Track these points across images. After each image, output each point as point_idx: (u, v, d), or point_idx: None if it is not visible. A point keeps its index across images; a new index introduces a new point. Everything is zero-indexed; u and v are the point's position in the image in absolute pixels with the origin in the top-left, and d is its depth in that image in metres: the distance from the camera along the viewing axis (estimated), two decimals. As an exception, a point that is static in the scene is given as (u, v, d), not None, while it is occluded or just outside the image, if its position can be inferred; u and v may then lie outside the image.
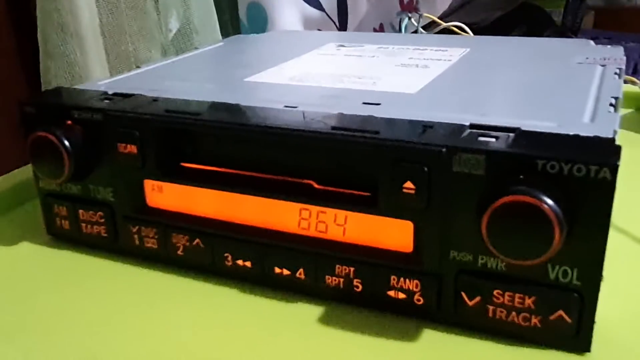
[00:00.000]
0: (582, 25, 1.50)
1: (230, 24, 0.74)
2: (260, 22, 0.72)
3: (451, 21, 0.55)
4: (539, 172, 0.22)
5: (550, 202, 0.21)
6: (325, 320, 0.26)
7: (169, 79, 0.36)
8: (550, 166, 0.22)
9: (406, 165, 0.24)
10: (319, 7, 0.75)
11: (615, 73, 0.33)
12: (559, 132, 0.24)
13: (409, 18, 0.58)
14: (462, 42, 0.43)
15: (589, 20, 1.64)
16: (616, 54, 0.37)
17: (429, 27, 0.62)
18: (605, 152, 0.22)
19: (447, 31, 0.52)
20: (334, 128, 0.25)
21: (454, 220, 0.24)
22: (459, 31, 0.50)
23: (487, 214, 0.22)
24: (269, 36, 0.51)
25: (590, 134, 0.23)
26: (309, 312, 0.27)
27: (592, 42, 0.41)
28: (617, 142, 0.22)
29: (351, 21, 0.78)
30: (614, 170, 0.21)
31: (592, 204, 0.21)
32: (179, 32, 0.65)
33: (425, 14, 0.56)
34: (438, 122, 0.25)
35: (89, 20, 0.59)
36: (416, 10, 0.73)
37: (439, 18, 0.59)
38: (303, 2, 0.74)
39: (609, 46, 0.39)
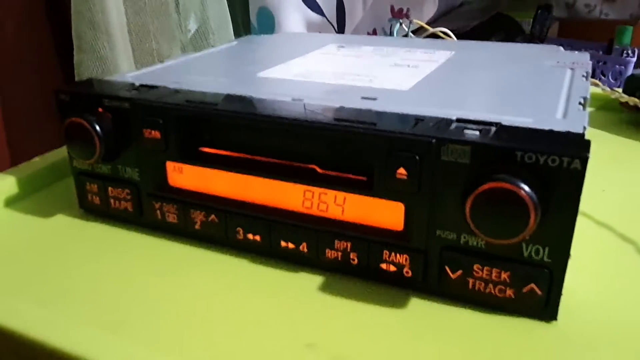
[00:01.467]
0: (548, 34, 1.49)
1: (242, 26, 0.73)
2: (268, 25, 0.71)
3: (434, 28, 0.54)
4: (518, 162, 0.21)
5: (527, 188, 0.21)
6: (324, 288, 0.26)
7: (189, 73, 0.35)
8: (527, 157, 0.21)
9: (400, 153, 0.23)
10: (320, 13, 0.74)
11: (583, 76, 0.32)
12: (534, 127, 0.23)
13: (400, 24, 0.57)
14: (448, 45, 0.42)
15: (553, 30, 1.63)
16: (583, 59, 0.36)
17: (417, 32, 0.61)
18: (576, 146, 0.21)
19: (433, 36, 0.51)
20: (335, 119, 0.25)
21: (441, 203, 0.23)
22: (444, 36, 0.49)
23: (471, 198, 0.21)
24: (276, 37, 0.50)
25: (563, 130, 0.23)
26: (310, 281, 0.26)
27: (561, 48, 0.40)
28: (586, 137, 0.22)
29: (348, 26, 0.77)
30: (584, 161, 0.21)
31: (564, 191, 0.21)
32: (196, 32, 0.64)
33: (415, 20, 0.55)
34: (428, 116, 0.25)
35: (117, 19, 0.58)
36: (407, 16, 0.73)
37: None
38: (306, 8, 0.73)
39: (576, 52, 0.38)
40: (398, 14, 0.84)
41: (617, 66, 1.19)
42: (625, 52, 1.22)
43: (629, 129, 0.45)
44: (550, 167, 0.21)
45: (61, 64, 0.62)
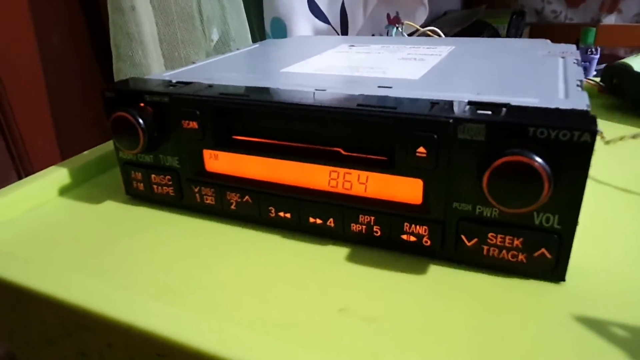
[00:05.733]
0: (521, 37, 1.47)
1: (257, 34, 0.71)
2: (281, 33, 0.69)
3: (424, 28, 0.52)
4: (530, 138, 0.20)
5: (540, 160, 0.19)
6: (351, 259, 0.24)
7: (219, 71, 0.34)
8: (540, 132, 0.20)
9: (419, 133, 0.22)
10: (326, 21, 0.73)
11: (574, 62, 0.31)
12: (542, 106, 0.22)
13: (397, 27, 0.55)
14: (447, 42, 0.41)
15: (525, 34, 1.60)
16: (571, 49, 0.34)
17: (411, 35, 0.59)
18: (585, 121, 0.20)
19: (424, 36, 0.49)
20: (359, 105, 0.23)
21: (457, 178, 0.22)
22: (434, 35, 0.47)
23: (488, 172, 0.20)
24: (293, 40, 0.48)
25: (568, 107, 0.21)
26: (337, 253, 0.25)
27: (549, 41, 0.38)
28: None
29: (350, 32, 0.75)
30: (594, 134, 0.19)
31: (574, 162, 0.20)
32: (219, 40, 0.62)
33: (407, 22, 0.53)
34: (442, 100, 0.23)
35: (150, 30, 0.56)
36: (398, 20, 0.71)
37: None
38: (313, 17, 0.71)
39: (563, 44, 0.37)
40: (393, 21, 0.82)
41: (583, 62, 1.17)
42: (589, 50, 1.19)
43: (605, 111, 0.44)
44: (561, 141, 0.19)
45: (102, 70, 0.60)
